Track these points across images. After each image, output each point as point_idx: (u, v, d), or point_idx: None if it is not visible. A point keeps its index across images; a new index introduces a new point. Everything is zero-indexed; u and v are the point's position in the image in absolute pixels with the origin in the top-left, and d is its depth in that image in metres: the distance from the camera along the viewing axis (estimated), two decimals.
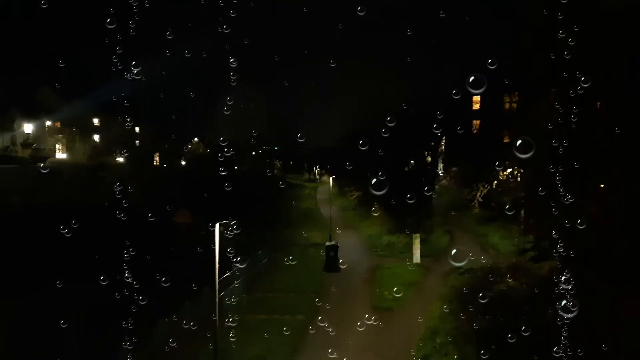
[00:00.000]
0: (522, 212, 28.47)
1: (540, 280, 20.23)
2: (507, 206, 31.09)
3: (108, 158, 48.87)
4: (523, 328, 11.66)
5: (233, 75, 10.99)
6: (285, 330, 19.06)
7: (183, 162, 67.70)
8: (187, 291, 22.78)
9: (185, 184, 41.34)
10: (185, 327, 20.47)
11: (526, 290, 19.67)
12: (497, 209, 38.03)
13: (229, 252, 17.25)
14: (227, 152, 25.14)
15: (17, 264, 21.53)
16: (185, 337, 20.41)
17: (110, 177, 37.19)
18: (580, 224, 9.97)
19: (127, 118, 48.94)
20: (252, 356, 19.18)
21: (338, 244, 33.35)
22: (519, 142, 4.72)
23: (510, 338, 11.34)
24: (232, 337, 18.11)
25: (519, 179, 32.97)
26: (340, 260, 32.41)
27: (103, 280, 11.43)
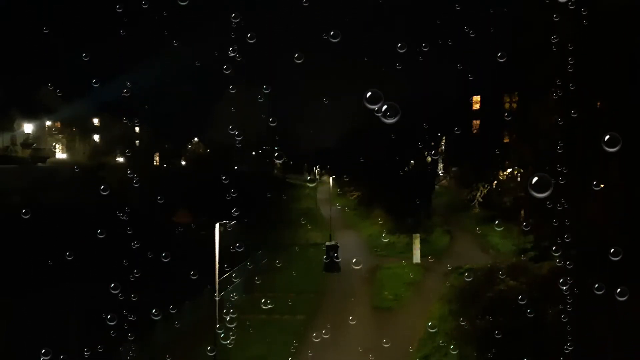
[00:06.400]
0: (522, 212, 28.42)
1: (540, 280, 20.21)
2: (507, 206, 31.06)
3: (108, 158, 48.86)
4: (523, 328, 11.68)
5: (233, 75, 10.99)
6: (285, 331, 19.09)
7: (183, 162, 67.68)
8: (187, 291, 22.80)
9: (185, 184, 41.34)
10: (185, 327, 20.49)
11: (526, 290, 19.63)
12: (497, 208, 37.99)
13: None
14: (226, 152, 25.16)
15: (17, 264, 21.54)
16: (185, 337, 20.43)
17: (110, 177, 37.19)
18: (580, 224, 9.98)
19: (127, 118, 48.95)
20: (252, 356, 19.19)
21: (338, 244, 33.29)
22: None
23: (510, 338, 11.36)
24: (231, 337, 18.12)
25: (519, 179, 32.93)
26: (339, 259, 32.39)
27: (103, 281, 11.45)
